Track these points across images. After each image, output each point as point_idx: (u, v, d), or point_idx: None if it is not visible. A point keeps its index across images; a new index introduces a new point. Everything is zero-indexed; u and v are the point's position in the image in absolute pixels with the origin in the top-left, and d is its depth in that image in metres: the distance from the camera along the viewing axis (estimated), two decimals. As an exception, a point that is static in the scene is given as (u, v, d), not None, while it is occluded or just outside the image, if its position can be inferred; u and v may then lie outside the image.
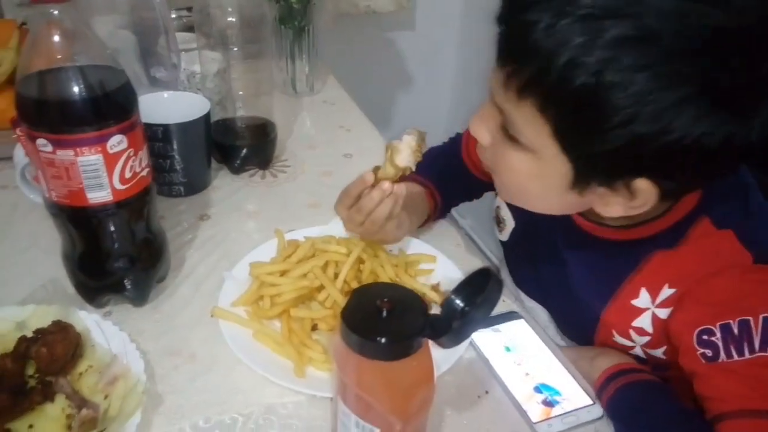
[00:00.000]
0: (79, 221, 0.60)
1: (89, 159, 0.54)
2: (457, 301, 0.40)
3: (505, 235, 0.78)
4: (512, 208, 0.76)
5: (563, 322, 0.73)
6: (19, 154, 0.75)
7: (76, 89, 0.52)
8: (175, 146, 0.81)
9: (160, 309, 0.67)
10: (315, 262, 0.66)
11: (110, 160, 0.56)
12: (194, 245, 0.78)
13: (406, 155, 0.64)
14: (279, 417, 0.57)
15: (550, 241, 0.64)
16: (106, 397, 0.56)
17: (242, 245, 0.77)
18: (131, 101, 0.57)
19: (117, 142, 0.55)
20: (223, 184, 0.91)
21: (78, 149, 0.54)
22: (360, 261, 0.69)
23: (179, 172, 0.83)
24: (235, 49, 0.86)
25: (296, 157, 0.99)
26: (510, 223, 0.76)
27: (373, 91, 1.34)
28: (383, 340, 0.38)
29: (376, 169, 0.66)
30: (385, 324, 0.39)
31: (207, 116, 0.83)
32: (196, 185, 0.87)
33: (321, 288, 0.66)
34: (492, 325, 0.65)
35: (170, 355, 0.62)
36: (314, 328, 0.64)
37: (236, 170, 0.93)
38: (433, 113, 1.91)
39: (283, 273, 0.67)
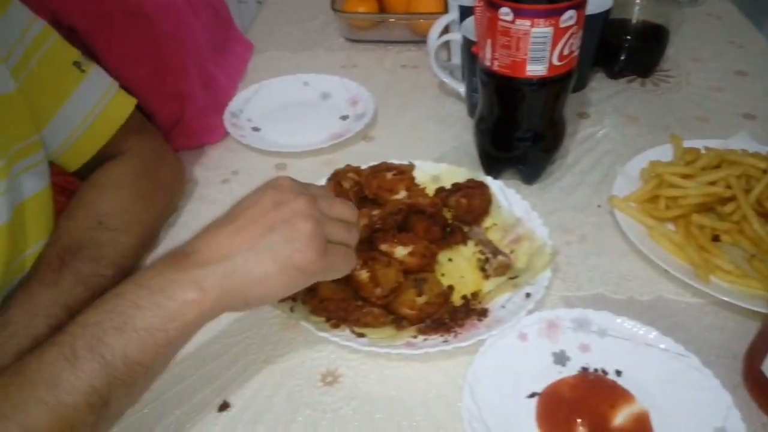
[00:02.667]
0: (506, 91, 0.65)
1: (542, 31, 0.58)
2: None
3: None
4: None
5: None
6: (432, 38, 0.84)
7: (550, -40, 0.55)
8: (569, 40, 0.82)
9: (549, 190, 0.71)
10: (728, 171, 0.62)
11: (558, 35, 0.58)
12: (576, 140, 0.79)
13: None
14: (674, 311, 0.56)
15: None
16: (511, 252, 0.62)
17: (625, 146, 0.77)
18: (589, -23, 0.58)
19: (569, 17, 0.58)
20: (600, 86, 0.90)
21: (535, 20, 0.57)
22: (776, 181, 0.62)
23: (565, 68, 0.85)
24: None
25: (680, 68, 0.92)
26: None
27: (763, 6, 1.16)
28: None
29: None
30: None
31: (607, 13, 0.82)
32: (577, 82, 0.86)
33: (727, 200, 0.62)
34: None
35: (562, 232, 0.65)
36: (715, 238, 0.61)
37: (615, 74, 0.90)
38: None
39: (685, 177, 0.64)
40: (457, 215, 0.65)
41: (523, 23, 0.58)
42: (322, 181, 0.68)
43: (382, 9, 1.06)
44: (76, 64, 0.61)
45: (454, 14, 0.84)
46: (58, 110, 0.59)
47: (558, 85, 0.63)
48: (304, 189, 0.48)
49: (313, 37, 1.08)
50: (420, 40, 1.03)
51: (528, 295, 0.56)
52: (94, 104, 0.61)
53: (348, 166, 0.68)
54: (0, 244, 0.53)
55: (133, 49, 0.73)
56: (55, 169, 0.62)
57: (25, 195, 0.57)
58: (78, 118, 0.60)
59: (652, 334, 0.52)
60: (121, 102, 0.65)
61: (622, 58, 0.88)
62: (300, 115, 0.87)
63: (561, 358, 0.52)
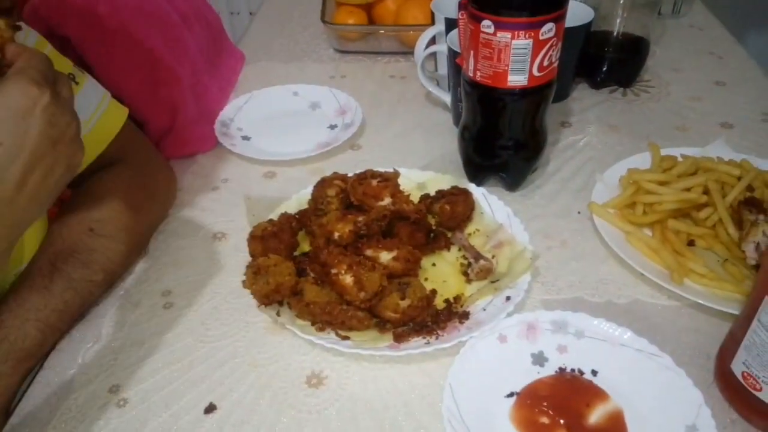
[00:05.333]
0: (488, 101, 0.67)
1: (522, 43, 0.60)
2: None
3: None
4: None
5: None
6: (419, 49, 0.86)
7: (528, -25, 0.57)
8: (551, 52, 0.84)
9: (530, 197, 0.73)
10: (703, 178, 0.64)
11: (538, 47, 0.60)
12: (557, 148, 0.81)
13: None
14: (650, 313, 0.58)
15: None
16: (493, 256, 0.63)
17: (606, 154, 0.79)
18: (567, -8, 0.60)
19: (548, 30, 0.60)
20: (582, 96, 0.92)
21: (515, 32, 0.59)
22: (750, 189, 0.64)
23: (548, 78, 0.87)
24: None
25: (660, 78, 0.95)
26: None
27: (744, 18, 1.19)
28: None
29: None
30: None
31: (588, 26, 0.84)
32: (559, 92, 0.89)
33: (702, 206, 0.64)
34: None
35: (543, 237, 0.67)
36: (690, 243, 0.63)
37: (596, 84, 0.93)
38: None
39: (662, 183, 0.66)
40: (440, 221, 0.67)
41: (504, 35, 0.60)
42: (309, 189, 0.70)
43: (371, 21, 1.08)
44: (70, 76, 0.62)
45: (440, 26, 0.86)
46: None
47: (538, 95, 0.65)
48: None
49: (303, 48, 1.10)
50: (408, 52, 1.05)
51: (508, 298, 0.57)
52: (88, 116, 0.63)
53: (335, 173, 0.69)
54: None
55: (126, 60, 0.74)
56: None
57: None
58: None
59: (627, 334, 0.53)
60: (115, 112, 0.67)
61: (604, 69, 0.91)
62: (289, 124, 0.89)
63: (539, 359, 0.54)
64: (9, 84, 0.40)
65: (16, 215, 0.41)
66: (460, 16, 0.65)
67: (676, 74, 0.95)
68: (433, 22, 0.91)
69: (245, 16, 1.69)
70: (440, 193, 0.69)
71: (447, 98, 0.87)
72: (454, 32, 0.81)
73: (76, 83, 0.63)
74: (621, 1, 0.87)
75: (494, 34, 0.60)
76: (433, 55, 0.92)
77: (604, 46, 0.90)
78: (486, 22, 0.60)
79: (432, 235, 0.66)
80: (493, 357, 0.53)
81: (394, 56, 1.06)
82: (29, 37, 0.60)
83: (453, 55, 0.78)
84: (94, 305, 0.61)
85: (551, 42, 0.61)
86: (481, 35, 0.61)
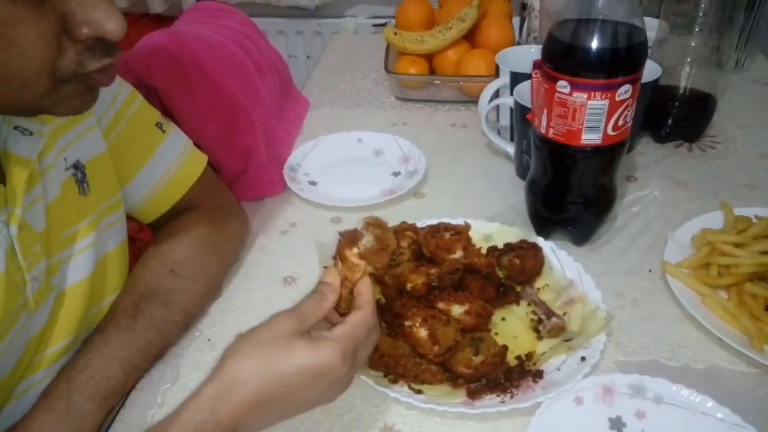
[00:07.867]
0: (559, 157, 0.67)
1: (598, 103, 0.61)
2: None
3: None
4: None
5: None
6: (484, 101, 0.88)
7: (608, 40, 0.58)
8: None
9: (598, 252, 0.73)
10: (782, 242, 0.63)
11: (614, 107, 0.61)
12: (624, 203, 0.81)
13: None
14: (729, 380, 0.57)
15: None
16: (564, 313, 0.63)
17: (674, 210, 0.78)
18: (644, 56, 0.61)
19: (624, 91, 0.61)
20: (647, 150, 0.92)
21: (592, 93, 0.60)
22: (832, 252, 0.63)
23: (613, 132, 0.87)
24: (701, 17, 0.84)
25: (726, 134, 0.94)
26: None
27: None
28: None
29: None
30: None
31: (655, 82, 0.84)
32: (624, 147, 0.90)
33: (781, 270, 0.63)
34: None
35: (614, 296, 0.66)
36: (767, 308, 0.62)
37: (661, 139, 0.92)
38: None
39: (737, 245, 0.65)
40: (509, 275, 0.67)
41: (580, 96, 0.61)
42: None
43: (432, 70, 1.11)
44: (158, 125, 0.66)
45: (505, 79, 0.88)
46: (141, 169, 0.64)
47: (611, 153, 0.66)
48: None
49: (365, 95, 1.13)
50: (468, 101, 1.07)
51: (583, 358, 0.57)
52: (172, 162, 0.66)
53: (404, 223, 0.70)
54: (83, 295, 0.57)
55: (206, 108, 0.78)
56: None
57: (108, 248, 0.61)
58: (158, 175, 0.65)
59: (709, 403, 0.52)
60: (196, 159, 0.70)
61: (669, 123, 0.91)
62: (354, 170, 0.91)
63: (617, 424, 0.53)
64: (327, 347, 0.48)
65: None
66: (534, 75, 0.66)
67: (742, 130, 0.94)
68: (497, 75, 0.92)
69: (302, 59, 1.76)
70: (509, 246, 0.69)
71: (510, 149, 0.88)
72: (521, 86, 0.82)
73: (163, 132, 0.67)
74: (688, 58, 0.87)
75: (570, 94, 0.61)
76: (495, 105, 0.93)
77: (670, 101, 0.90)
78: (562, 83, 0.61)
79: (501, 289, 0.66)
80: (570, 419, 0.52)
81: (454, 105, 1.08)
82: (123, 90, 0.64)
83: (520, 109, 0.79)
84: (172, 345, 0.62)
85: (627, 102, 0.62)
86: (556, 95, 0.62)
